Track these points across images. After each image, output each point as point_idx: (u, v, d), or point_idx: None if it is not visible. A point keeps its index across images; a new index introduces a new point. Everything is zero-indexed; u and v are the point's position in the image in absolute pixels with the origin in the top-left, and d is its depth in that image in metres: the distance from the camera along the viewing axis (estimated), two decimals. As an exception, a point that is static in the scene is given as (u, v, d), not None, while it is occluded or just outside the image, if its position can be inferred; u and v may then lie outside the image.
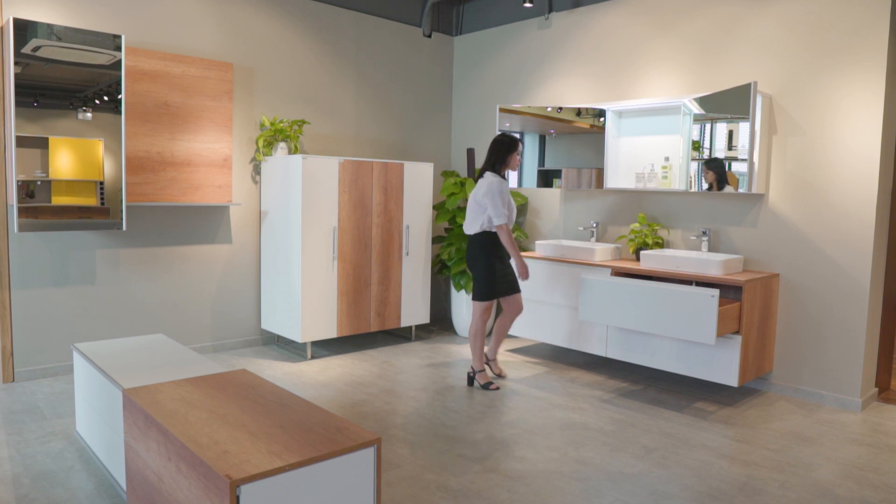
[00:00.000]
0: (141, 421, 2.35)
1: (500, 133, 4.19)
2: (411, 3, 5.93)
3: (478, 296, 4.18)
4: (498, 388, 4.21)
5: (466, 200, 5.61)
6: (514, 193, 5.55)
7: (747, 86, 3.96)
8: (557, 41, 5.42)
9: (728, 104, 4.14)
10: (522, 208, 5.73)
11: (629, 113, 4.89)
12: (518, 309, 4.35)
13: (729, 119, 4.17)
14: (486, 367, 4.47)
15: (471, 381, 4.28)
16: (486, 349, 4.59)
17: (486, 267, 4.14)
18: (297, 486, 1.91)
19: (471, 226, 4.15)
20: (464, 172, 6.14)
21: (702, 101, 4.27)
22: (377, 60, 5.75)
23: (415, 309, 5.40)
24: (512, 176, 5.37)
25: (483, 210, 4.07)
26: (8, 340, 4.10)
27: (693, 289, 3.80)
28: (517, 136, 4.29)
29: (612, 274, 4.41)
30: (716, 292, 3.69)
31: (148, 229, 4.58)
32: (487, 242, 4.12)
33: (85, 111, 4.06)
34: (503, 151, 4.11)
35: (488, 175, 4.10)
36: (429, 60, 6.14)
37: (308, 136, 5.33)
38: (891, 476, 3.07)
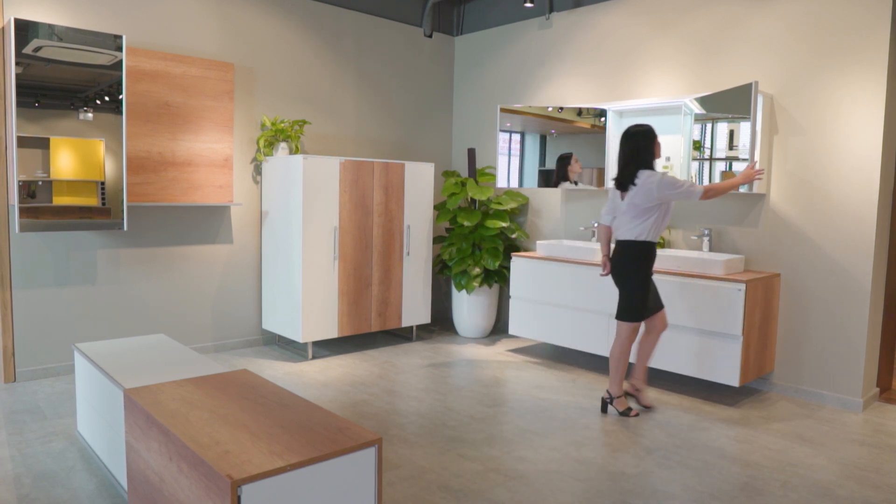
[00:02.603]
0: (142, 421, 2.35)
1: (631, 126, 3.64)
2: (412, 3, 5.93)
3: (628, 315, 3.65)
4: (637, 415, 3.78)
5: (467, 201, 5.61)
6: (515, 193, 5.55)
7: (748, 85, 3.95)
8: (558, 41, 5.42)
9: (729, 104, 4.13)
10: (524, 208, 5.72)
11: (630, 113, 4.89)
12: (664, 325, 3.83)
13: (730, 119, 4.17)
14: (625, 396, 3.89)
15: (605, 407, 3.81)
16: (627, 377, 4.02)
17: (641, 281, 3.64)
18: (298, 486, 1.91)
19: (626, 231, 3.60)
20: (465, 172, 6.14)
21: (703, 101, 4.26)
22: (378, 60, 5.75)
23: (416, 309, 5.40)
24: (513, 175, 5.37)
25: (645, 214, 3.54)
26: (9, 340, 4.10)
27: (719, 283, 3.89)
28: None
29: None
30: (742, 286, 3.80)
31: (149, 229, 4.58)
32: (644, 252, 3.60)
33: (86, 111, 4.06)
34: (649, 142, 3.57)
35: (645, 173, 3.52)
36: (429, 60, 6.14)
37: (309, 137, 5.33)
38: (892, 476, 3.06)
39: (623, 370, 3.76)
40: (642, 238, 3.57)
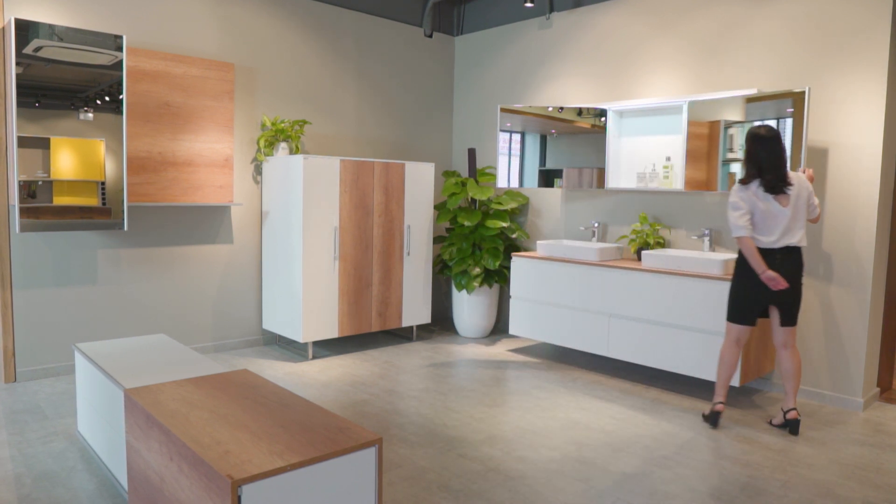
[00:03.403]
0: (142, 421, 2.35)
1: (762, 127, 3.47)
2: (412, 3, 5.93)
3: (797, 318, 3.58)
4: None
5: (467, 200, 5.61)
6: (515, 193, 5.55)
7: (801, 92, 3.84)
8: (558, 41, 5.42)
9: (772, 108, 4.03)
10: (524, 208, 5.73)
11: (630, 113, 4.89)
12: None
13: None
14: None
15: (796, 426, 3.52)
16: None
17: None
18: (298, 486, 1.91)
19: (802, 238, 3.48)
20: (465, 172, 6.14)
21: (745, 102, 4.14)
22: (378, 60, 5.75)
23: (416, 309, 5.40)
24: (513, 175, 5.37)
25: (804, 216, 3.49)
26: (10, 340, 4.11)
27: (719, 282, 3.90)
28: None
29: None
30: None
31: (149, 229, 4.59)
32: None
33: (86, 111, 4.06)
34: (783, 144, 3.47)
35: (792, 173, 3.46)
36: (430, 60, 6.14)
37: (309, 137, 5.33)
38: (893, 476, 3.07)
39: None
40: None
